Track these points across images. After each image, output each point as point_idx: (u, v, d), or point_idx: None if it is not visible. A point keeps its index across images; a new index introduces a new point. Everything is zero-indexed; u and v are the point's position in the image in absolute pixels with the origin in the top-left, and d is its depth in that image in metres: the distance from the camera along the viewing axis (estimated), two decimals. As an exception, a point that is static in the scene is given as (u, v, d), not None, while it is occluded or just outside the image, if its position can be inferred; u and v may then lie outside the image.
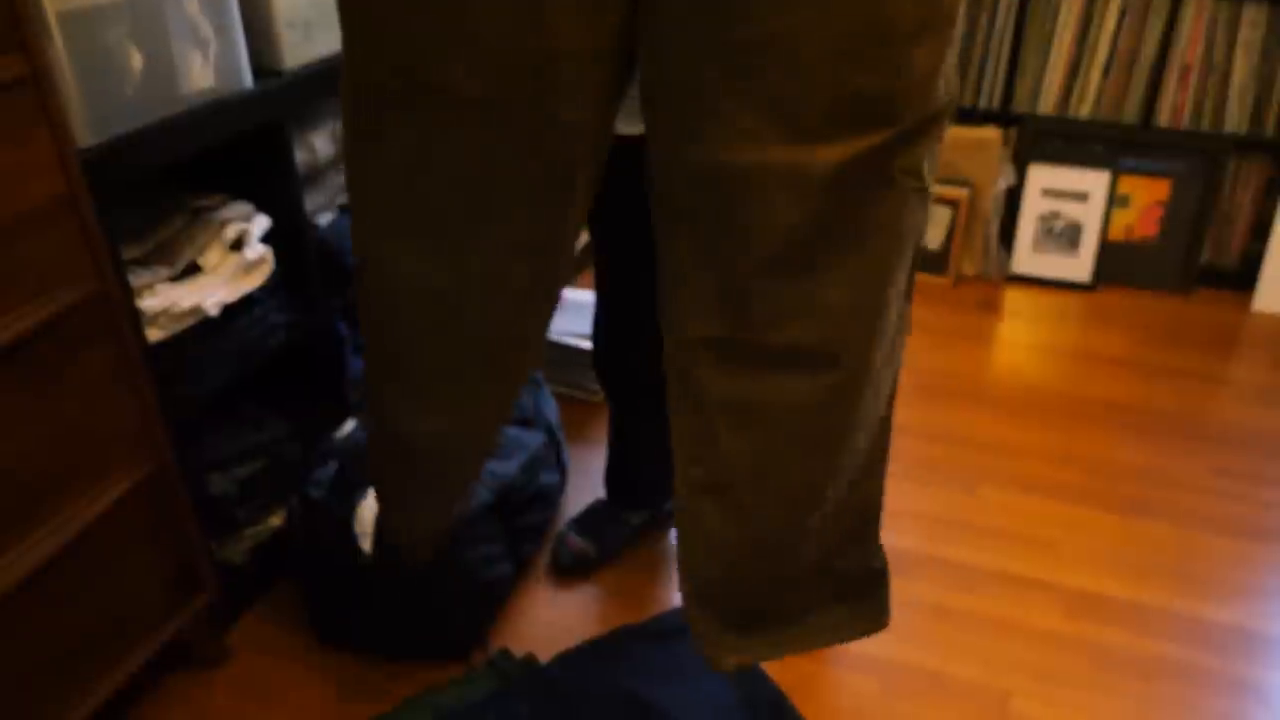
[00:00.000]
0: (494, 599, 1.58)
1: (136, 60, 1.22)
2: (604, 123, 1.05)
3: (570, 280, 1.16)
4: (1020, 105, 2.72)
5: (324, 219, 1.65)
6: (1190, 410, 2.19)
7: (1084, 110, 2.67)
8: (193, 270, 1.37)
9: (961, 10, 0.98)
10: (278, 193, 1.50)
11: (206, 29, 1.31)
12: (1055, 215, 2.70)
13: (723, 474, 1.17)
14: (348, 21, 1.02)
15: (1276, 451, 2.06)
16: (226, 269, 1.38)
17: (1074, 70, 2.65)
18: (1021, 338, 2.45)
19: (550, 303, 1.17)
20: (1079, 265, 2.71)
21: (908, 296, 1.15)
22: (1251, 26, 2.49)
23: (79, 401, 1.21)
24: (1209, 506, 1.90)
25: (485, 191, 1.05)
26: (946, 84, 1.00)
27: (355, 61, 1.03)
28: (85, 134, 1.18)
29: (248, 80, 1.38)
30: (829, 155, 0.97)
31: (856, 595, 1.36)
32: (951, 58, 0.99)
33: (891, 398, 1.23)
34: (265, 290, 1.47)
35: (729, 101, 0.96)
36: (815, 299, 1.05)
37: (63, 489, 1.20)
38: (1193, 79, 2.57)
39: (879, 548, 1.34)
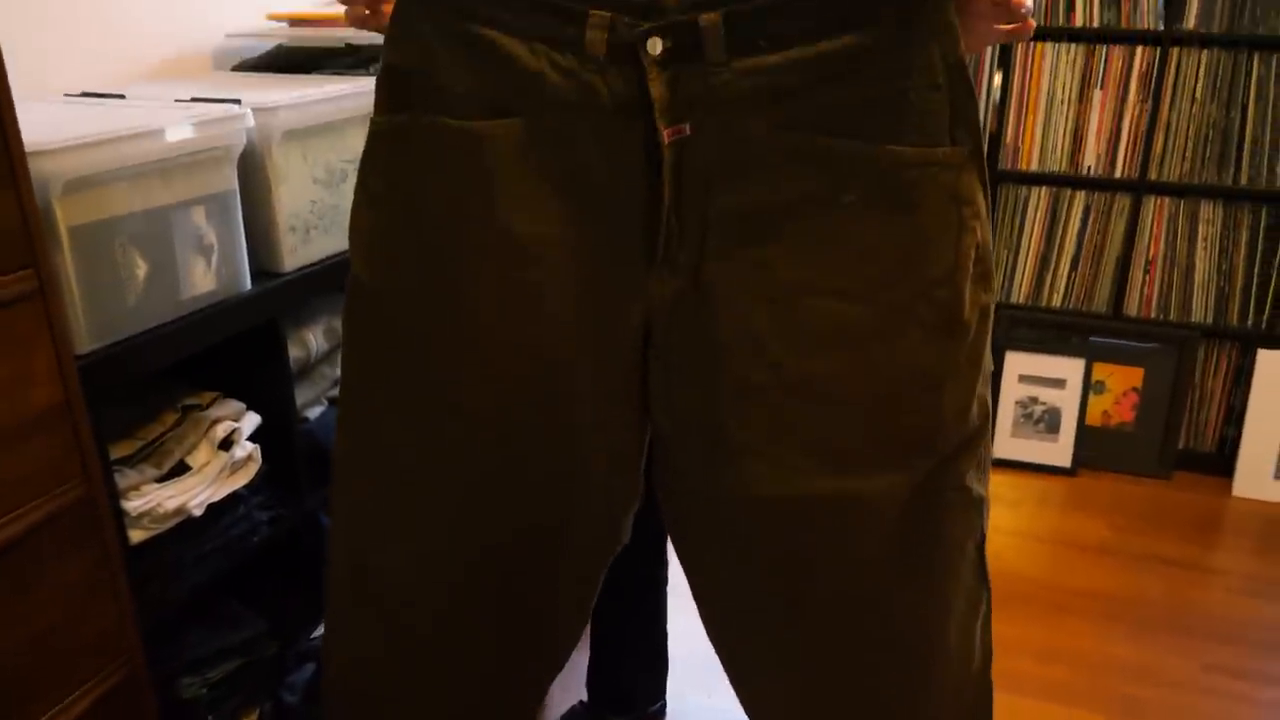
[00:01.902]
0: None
1: (141, 269, 1.26)
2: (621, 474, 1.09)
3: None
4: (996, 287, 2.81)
5: (313, 413, 1.67)
6: (1177, 601, 2.18)
7: (1056, 300, 2.76)
8: (180, 469, 1.37)
9: (988, 349, 1.02)
10: (269, 389, 1.52)
11: (211, 236, 1.35)
12: (1033, 401, 2.75)
13: None
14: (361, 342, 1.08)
15: (1267, 645, 2.04)
16: (214, 468, 1.38)
17: (1044, 263, 2.75)
18: (1003, 523, 2.46)
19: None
20: (1059, 450, 2.74)
21: (984, 621, 1.13)
22: (1208, 223, 2.61)
23: (54, 608, 1.19)
24: (1205, 707, 1.86)
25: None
26: (980, 405, 1.02)
27: (363, 375, 1.08)
28: (85, 340, 1.21)
29: (246, 283, 1.42)
30: (875, 485, 0.99)
31: None
32: (983, 387, 1.01)
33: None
34: (250, 487, 1.47)
35: (763, 440, 0.99)
36: (876, 626, 1.05)
37: (28, 700, 1.17)
38: (1158, 272, 2.68)
39: None
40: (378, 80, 1.01)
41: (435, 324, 1.04)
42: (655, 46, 0.92)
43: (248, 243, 1.42)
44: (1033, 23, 0.96)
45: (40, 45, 1.54)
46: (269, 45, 1.85)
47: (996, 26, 0.96)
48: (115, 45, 1.68)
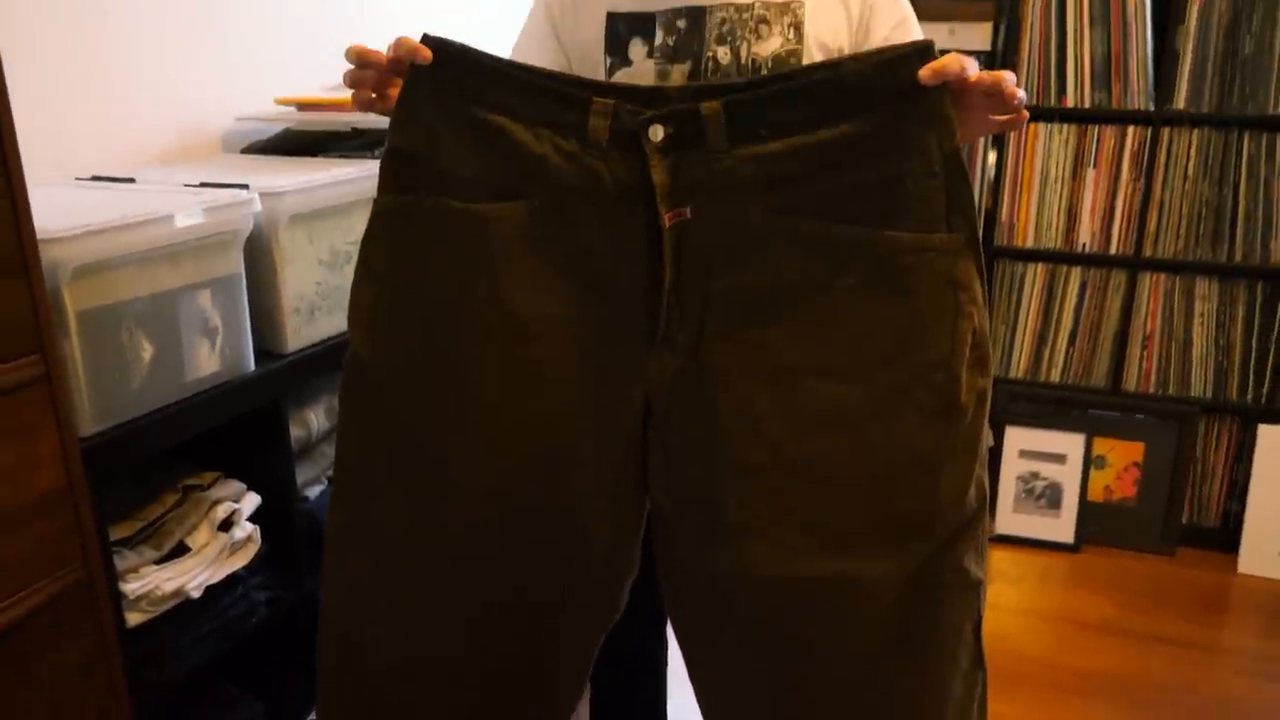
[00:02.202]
0: None
1: (147, 352, 1.28)
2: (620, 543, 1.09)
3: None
4: (993, 369, 2.82)
5: (313, 491, 1.67)
6: (1184, 683, 2.15)
7: (1054, 375, 2.78)
8: (180, 551, 1.37)
9: (985, 431, 1.04)
10: (270, 469, 1.53)
11: (216, 319, 1.37)
12: (1034, 476, 2.75)
13: None
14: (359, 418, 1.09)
15: (1277, 728, 2.01)
16: (213, 550, 1.38)
17: (1042, 339, 2.77)
18: (1007, 601, 2.44)
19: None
20: (1061, 526, 2.73)
21: (980, 701, 1.13)
22: (1204, 299, 2.63)
23: (51, 692, 1.17)
24: (1213, 792, 1.83)
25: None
26: (978, 488, 1.03)
27: (360, 448, 1.09)
28: (89, 422, 1.21)
29: (250, 364, 1.44)
30: (874, 568, 1.00)
31: None
32: (980, 469, 1.03)
33: None
34: (249, 568, 1.46)
35: (762, 521, 1.00)
36: (874, 709, 1.05)
37: (22, 789, 1.15)
38: (1155, 347, 2.69)
39: None
40: (382, 161, 1.04)
41: (436, 401, 1.05)
42: (657, 133, 0.95)
43: (252, 324, 1.44)
44: (1025, 114, 0.99)
45: (53, 127, 1.57)
46: (277, 128, 1.89)
47: (991, 117, 0.99)
48: (127, 127, 1.72)
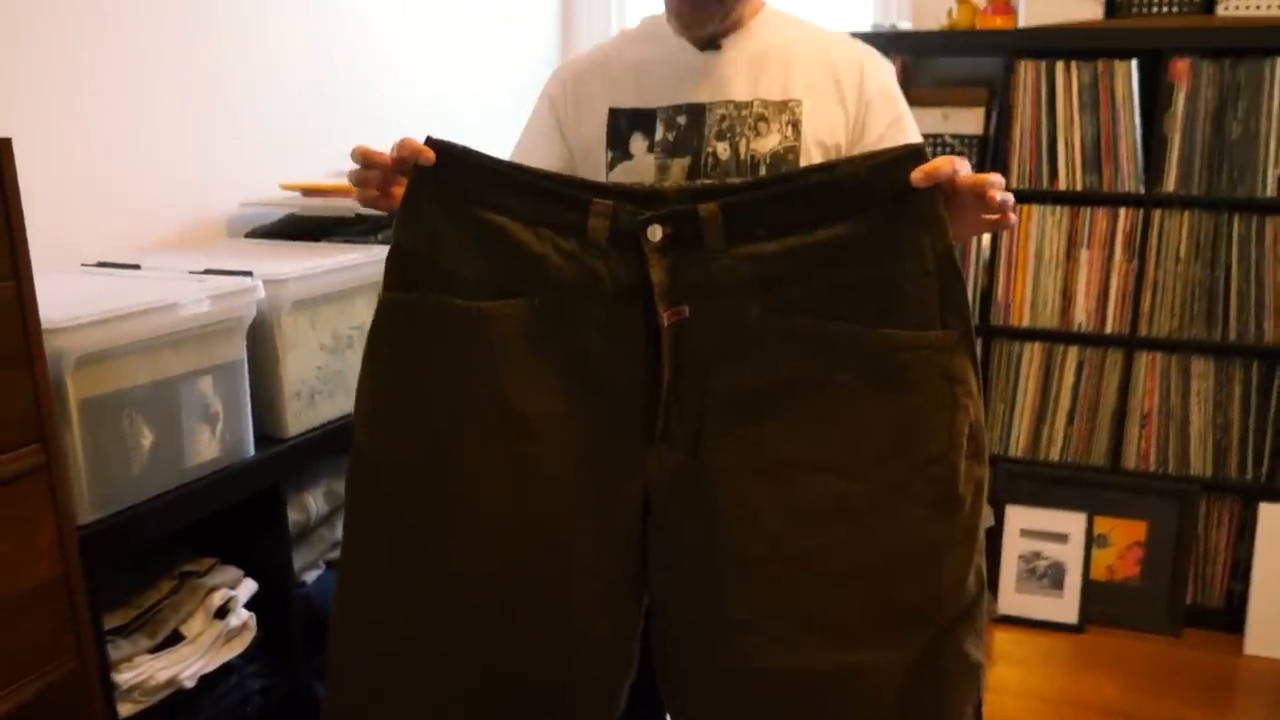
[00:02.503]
0: None
1: (147, 439, 1.28)
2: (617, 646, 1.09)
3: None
4: (992, 448, 2.82)
5: (311, 576, 1.66)
6: (1193, 770, 2.11)
7: (1054, 453, 2.77)
8: (174, 639, 1.35)
9: (982, 519, 1.04)
10: (268, 554, 1.52)
11: (217, 405, 1.38)
12: (1037, 555, 2.73)
13: None
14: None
15: (1289, 818, 1.96)
16: (208, 638, 1.37)
17: (1040, 417, 2.78)
18: (1009, 683, 2.40)
19: None
20: (1064, 606, 2.70)
21: None
22: (1201, 378, 2.65)
23: (39, 788, 1.16)
24: None
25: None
26: (976, 574, 1.03)
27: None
28: (87, 510, 1.21)
29: (250, 450, 1.44)
30: (875, 659, 1.00)
31: None
32: (978, 556, 1.03)
33: None
34: (244, 656, 1.45)
35: (762, 613, 1.00)
36: None
37: None
38: (1154, 426, 2.70)
39: None
40: (388, 256, 1.06)
41: (437, 496, 1.05)
42: (656, 234, 0.97)
43: (253, 408, 1.45)
44: (1013, 216, 1.01)
45: (60, 213, 1.60)
46: (281, 213, 1.92)
47: (982, 216, 1.01)
48: (133, 212, 1.74)
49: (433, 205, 1.04)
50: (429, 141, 1.03)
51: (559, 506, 1.02)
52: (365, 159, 1.06)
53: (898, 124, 1.28)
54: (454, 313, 1.03)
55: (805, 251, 0.97)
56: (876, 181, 0.96)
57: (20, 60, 1.52)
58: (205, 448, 1.37)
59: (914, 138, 1.29)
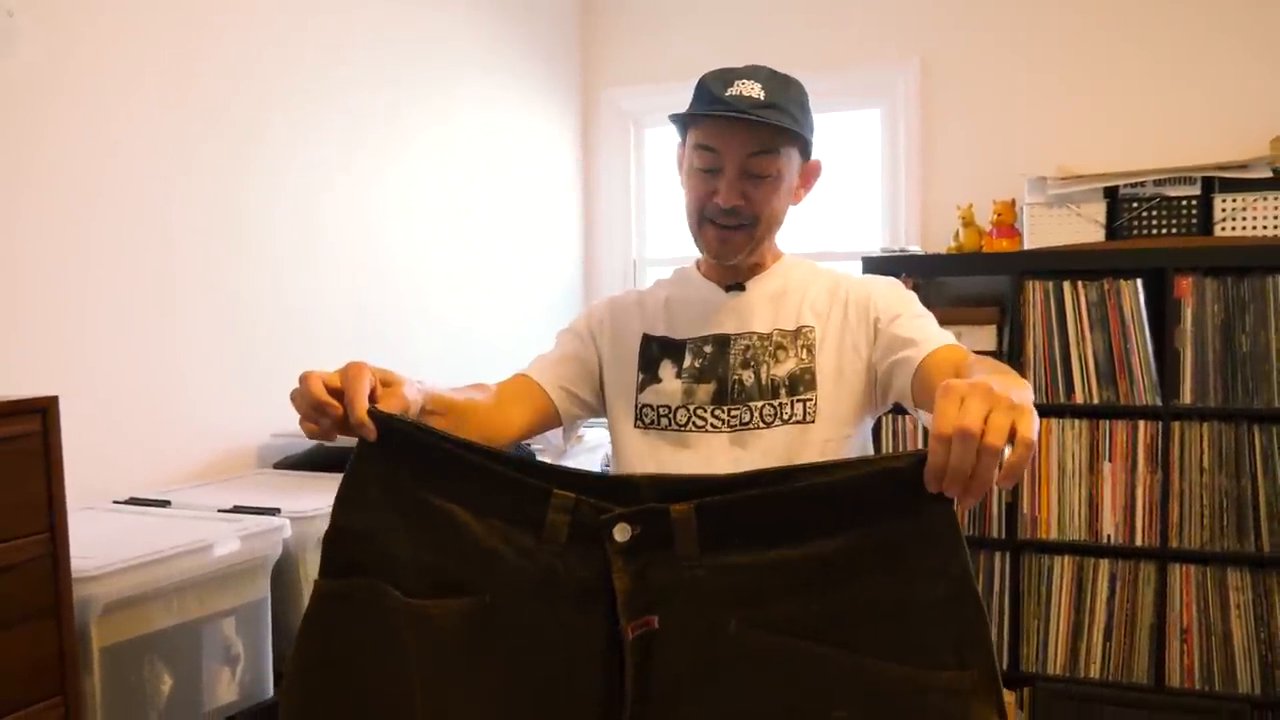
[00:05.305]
0: None
1: (166, 684, 1.27)
2: None
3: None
4: (1028, 665, 2.73)
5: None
6: None
7: (1094, 671, 2.68)
8: None
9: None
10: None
11: (239, 646, 1.37)
12: (1083, 784, 2.59)
13: None
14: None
15: None
16: None
17: (1076, 633, 2.70)
18: None
19: None
20: (1118, 841, 2.54)
21: None
22: (1238, 590, 2.58)
23: None
24: None
25: None
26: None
27: None
28: (101, 762, 1.20)
29: (269, 690, 1.42)
30: None
31: None
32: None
33: None
34: None
35: None
36: None
37: None
38: (1195, 640, 2.61)
39: None
40: (324, 538, 0.98)
41: None
42: (624, 533, 0.87)
43: (273, 648, 1.44)
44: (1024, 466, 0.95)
45: (98, 450, 1.65)
46: (310, 444, 1.97)
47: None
48: (170, 446, 1.79)
49: (376, 486, 0.96)
50: (373, 415, 0.94)
51: None
52: (315, 410, 0.95)
53: (914, 318, 1.30)
54: (392, 609, 0.94)
55: (790, 567, 0.85)
56: (880, 488, 0.83)
57: (67, 320, 1.61)
58: (224, 690, 1.35)
59: (933, 328, 1.28)
